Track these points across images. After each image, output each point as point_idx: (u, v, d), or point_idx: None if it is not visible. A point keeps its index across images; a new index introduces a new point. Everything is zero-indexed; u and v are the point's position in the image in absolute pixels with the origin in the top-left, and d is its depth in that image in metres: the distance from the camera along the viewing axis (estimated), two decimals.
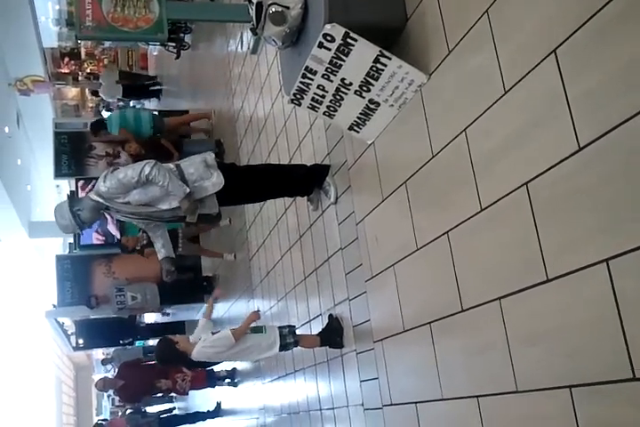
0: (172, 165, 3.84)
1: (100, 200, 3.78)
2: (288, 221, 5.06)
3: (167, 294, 9.14)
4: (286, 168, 4.40)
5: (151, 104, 16.03)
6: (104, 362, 12.20)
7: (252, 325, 4.08)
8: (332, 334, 4.07)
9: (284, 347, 4.10)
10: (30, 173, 20.71)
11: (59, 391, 33.37)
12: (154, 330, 12.41)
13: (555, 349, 2.07)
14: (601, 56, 1.83)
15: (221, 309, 8.62)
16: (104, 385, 8.21)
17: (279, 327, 4.17)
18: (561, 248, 2.03)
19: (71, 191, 9.82)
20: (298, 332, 4.32)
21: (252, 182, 4.07)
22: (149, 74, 17.06)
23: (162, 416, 10.81)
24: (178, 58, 11.71)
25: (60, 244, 21.87)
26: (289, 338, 4.11)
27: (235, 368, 8.32)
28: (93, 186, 4.02)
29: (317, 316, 4.48)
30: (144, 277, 9.18)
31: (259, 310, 4.22)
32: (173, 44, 11.64)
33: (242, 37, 6.55)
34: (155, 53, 16.90)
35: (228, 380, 8.44)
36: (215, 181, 3.83)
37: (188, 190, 3.75)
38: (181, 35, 11.39)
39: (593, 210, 1.88)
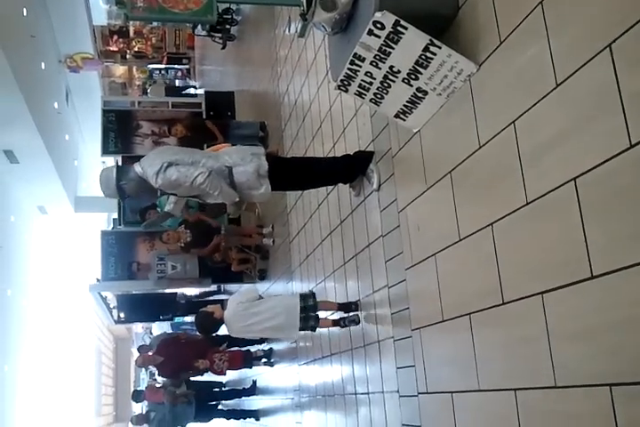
0: (224, 167, 3.90)
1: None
2: (329, 207, 5.08)
3: (207, 269, 9.27)
4: (332, 161, 4.43)
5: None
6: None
7: None
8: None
9: (303, 307, 4.68)
10: (78, 149, 21.11)
11: (99, 362, 34.26)
12: (193, 306, 12.61)
13: (596, 346, 2.06)
14: None
15: (261, 288, 8.73)
16: (143, 361, 8.44)
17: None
18: (607, 245, 2.00)
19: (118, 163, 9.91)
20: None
21: (298, 174, 4.18)
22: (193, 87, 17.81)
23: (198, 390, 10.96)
24: (224, 48, 12.01)
25: (104, 219, 22.31)
26: (310, 301, 4.77)
27: (271, 348, 8.43)
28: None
29: (356, 301, 4.51)
30: None
31: None
32: (220, 35, 11.97)
33: (289, 21, 6.53)
34: (202, 33, 16.99)
35: (264, 359, 8.55)
36: (263, 192, 3.97)
37: (237, 199, 3.95)
38: (227, 26, 11.68)
39: None
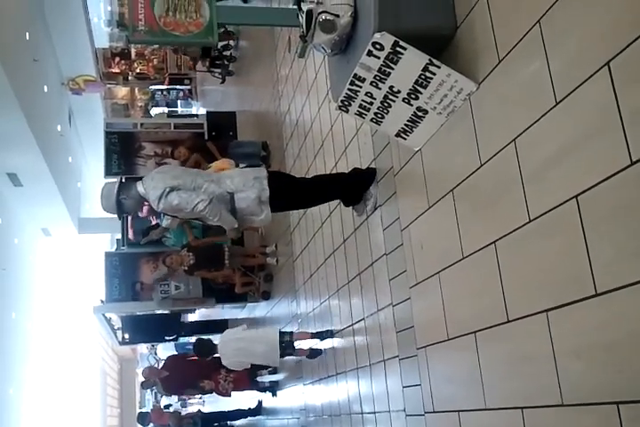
0: (226, 193, 3.94)
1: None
2: (332, 225, 5.08)
3: (211, 289, 9.26)
4: (336, 186, 4.39)
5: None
6: (144, 386, 11.54)
7: None
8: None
9: (281, 341, 5.84)
10: (81, 171, 21.20)
11: (103, 383, 34.06)
12: (198, 327, 12.57)
13: (603, 364, 2.05)
14: None
15: (264, 308, 8.71)
16: (149, 373, 8.51)
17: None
18: (611, 263, 2.00)
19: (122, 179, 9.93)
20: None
21: (300, 198, 4.26)
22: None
23: (204, 412, 10.86)
24: (223, 82, 12.54)
25: (107, 240, 22.33)
26: (287, 336, 5.90)
27: (277, 382, 8.36)
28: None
29: (360, 320, 4.50)
30: None
31: None
32: (219, 71, 12.77)
33: (290, 42, 6.59)
34: (202, 69, 17.18)
35: (269, 390, 8.48)
36: (263, 218, 4.04)
37: (236, 225, 4.03)
38: (226, 62, 12.39)
39: None
